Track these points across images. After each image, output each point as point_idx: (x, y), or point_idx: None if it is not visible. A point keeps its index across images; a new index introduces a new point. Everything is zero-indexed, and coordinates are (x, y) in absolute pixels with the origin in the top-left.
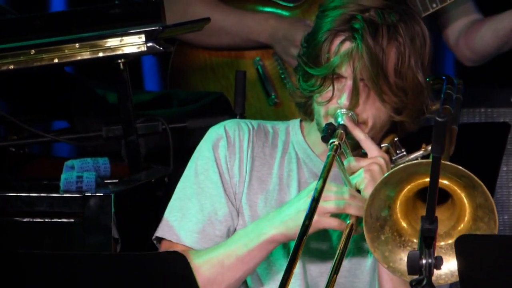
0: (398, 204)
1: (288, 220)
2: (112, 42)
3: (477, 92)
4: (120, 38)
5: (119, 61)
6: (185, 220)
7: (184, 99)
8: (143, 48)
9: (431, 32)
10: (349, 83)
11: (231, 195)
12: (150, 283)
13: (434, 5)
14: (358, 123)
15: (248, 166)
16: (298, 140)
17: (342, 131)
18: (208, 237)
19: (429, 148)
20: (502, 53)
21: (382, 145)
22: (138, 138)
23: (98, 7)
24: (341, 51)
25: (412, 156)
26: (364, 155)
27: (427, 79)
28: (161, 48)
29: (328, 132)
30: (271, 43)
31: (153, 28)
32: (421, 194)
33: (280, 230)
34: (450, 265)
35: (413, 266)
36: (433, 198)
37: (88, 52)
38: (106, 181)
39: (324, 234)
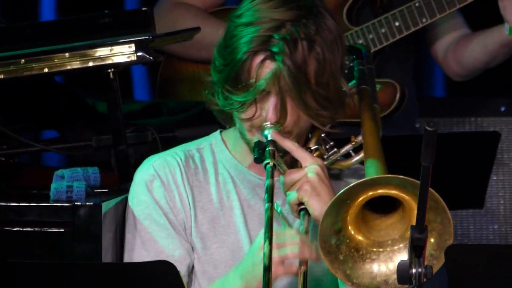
0: (348, 220)
1: (246, 276)
2: (102, 51)
3: (467, 101)
4: (110, 48)
5: (109, 70)
6: None
7: (173, 109)
8: (133, 58)
9: (421, 47)
10: (274, 99)
11: (181, 233)
12: None
13: (424, 20)
14: (284, 133)
15: (189, 198)
16: (226, 157)
17: (273, 148)
18: None
19: (358, 139)
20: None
21: (312, 148)
22: (128, 148)
23: (88, 16)
24: (264, 71)
25: (343, 150)
26: (296, 160)
27: None
28: (151, 58)
29: (259, 153)
30: None
31: (143, 38)
32: (368, 204)
33: (241, 286)
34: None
35: (403, 275)
36: (423, 207)
37: (78, 62)
38: (96, 190)
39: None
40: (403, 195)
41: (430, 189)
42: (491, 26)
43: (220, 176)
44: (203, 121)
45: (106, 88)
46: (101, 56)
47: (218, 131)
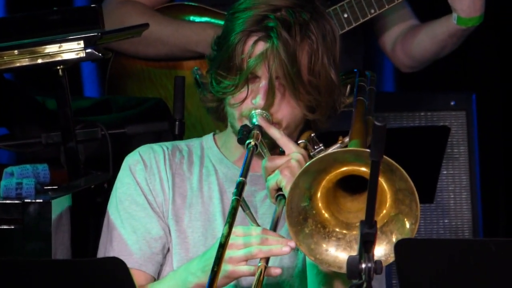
0: (318, 195)
1: (208, 270)
2: (51, 48)
3: (417, 95)
4: (59, 45)
5: (58, 67)
6: (122, 245)
7: (123, 105)
8: (82, 55)
9: (369, 39)
10: (264, 83)
11: (159, 214)
12: None
13: (373, 11)
14: (273, 123)
15: (170, 182)
16: (213, 152)
17: (258, 132)
18: (146, 255)
19: (346, 140)
20: (440, 58)
21: (299, 141)
22: (77, 144)
23: (37, 13)
24: (256, 52)
25: (330, 149)
26: (283, 153)
27: (340, 75)
28: (100, 54)
29: (243, 134)
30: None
31: (92, 34)
32: (341, 184)
33: (201, 279)
34: (376, 252)
35: (353, 270)
36: (372, 201)
37: (27, 59)
38: (45, 187)
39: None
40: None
41: (401, 169)
42: (439, 17)
43: (204, 169)
44: (152, 117)
45: (55, 85)
46: (50, 53)
47: (212, 133)
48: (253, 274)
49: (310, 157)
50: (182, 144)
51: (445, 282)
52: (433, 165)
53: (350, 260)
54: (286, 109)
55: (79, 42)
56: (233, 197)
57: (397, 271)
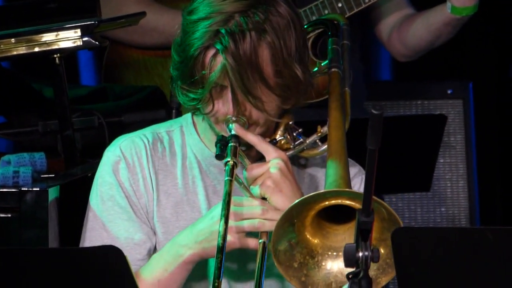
0: (303, 228)
1: (203, 241)
2: (48, 36)
3: (414, 84)
4: (56, 33)
5: (55, 55)
6: None
7: (119, 93)
8: (79, 43)
9: (365, 28)
10: (228, 92)
11: (143, 217)
12: (87, 277)
13: (367, 0)
14: (250, 124)
15: (153, 182)
16: (194, 141)
17: (235, 144)
18: (131, 262)
19: (324, 130)
20: (436, 47)
21: (278, 138)
22: (74, 133)
23: (34, 1)
24: (216, 64)
25: (310, 139)
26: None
27: (306, 26)
28: (97, 43)
29: (221, 149)
30: None
31: (88, 23)
32: (324, 212)
33: (195, 250)
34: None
35: (350, 259)
36: (369, 190)
37: (24, 47)
38: (42, 176)
39: (246, 252)
40: (358, 205)
41: (382, 202)
42: (435, 6)
43: (187, 160)
44: (148, 105)
45: (52, 73)
46: (47, 42)
47: (190, 113)
48: (249, 247)
49: (291, 149)
50: (162, 131)
51: (442, 271)
52: (430, 153)
53: (347, 248)
54: (259, 111)
55: (76, 30)
56: (226, 178)
57: (394, 260)
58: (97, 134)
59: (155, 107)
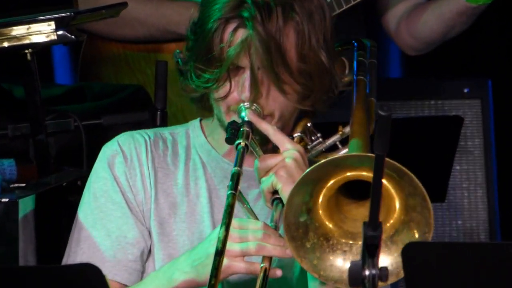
0: (319, 206)
1: (198, 266)
2: (18, 30)
3: (427, 82)
4: (27, 26)
5: (27, 51)
6: (93, 249)
7: (98, 93)
8: (53, 37)
9: (370, 18)
10: (247, 73)
11: (138, 215)
12: None
13: None
14: (264, 116)
15: (152, 179)
16: (201, 142)
17: (248, 129)
18: (122, 263)
19: (346, 130)
20: (449, 39)
21: (294, 135)
22: (48, 137)
23: None
24: (236, 41)
25: (330, 141)
26: (277, 149)
27: (335, 46)
28: (73, 37)
29: (232, 133)
30: None
31: (64, 15)
32: (344, 190)
33: (190, 276)
34: (385, 264)
35: (355, 277)
36: (376, 201)
37: None
38: (12, 185)
39: (244, 279)
40: (385, 182)
41: (410, 174)
42: None
43: (191, 162)
44: (131, 106)
45: (24, 70)
46: (18, 36)
47: (198, 118)
48: (250, 272)
49: (308, 150)
50: (165, 132)
51: None
52: (445, 159)
53: (353, 266)
54: (277, 100)
55: (49, 23)
56: (228, 192)
57: (405, 279)
58: (73, 138)
59: (138, 108)
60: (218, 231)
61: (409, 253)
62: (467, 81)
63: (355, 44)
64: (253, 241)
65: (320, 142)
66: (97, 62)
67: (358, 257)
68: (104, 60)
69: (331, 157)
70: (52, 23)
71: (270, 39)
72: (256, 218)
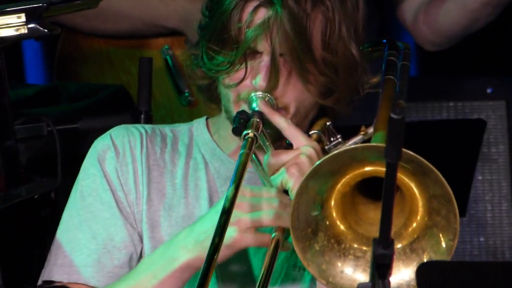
0: (332, 202)
1: (204, 240)
2: None
3: (445, 81)
4: None
5: None
6: (76, 253)
7: (75, 94)
8: (24, 31)
9: (384, 9)
10: (266, 59)
11: (129, 216)
12: None
13: None
14: (278, 108)
15: (145, 177)
16: (204, 139)
17: (258, 120)
18: (106, 269)
19: (370, 131)
20: (472, 33)
21: (311, 132)
22: (18, 143)
23: None
24: (256, 21)
25: (350, 142)
26: (290, 146)
27: (364, 47)
28: (46, 31)
29: (240, 122)
30: (183, 29)
31: (35, 5)
32: (361, 188)
33: (195, 253)
34: (402, 275)
35: None
36: (388, 215)
37: None
38: None
39: (244, 253)
40: (401, 176)
41: (436, 171)
42: None
43: (191, 160)
44: (112, 109)
45: None
46: None
47: (205, 117)
48: (260, 245)
49: (325, 151)
50: (166, 128)
51: None
52: (465, 168)
53: (360, 287)
54: (294, 92)
55: (19, 15)
56: (241, 151)
57: None
58: (46, 144)
59: (119, 111)
60: (224, 200)
61: (424, 273)
62: (491, 80)
63: (386, 44)
64: (265, 210)
65: (339, 143)
66: (75, 60)
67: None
68: (84, 58)
69: (348, 147)
70: (22, 15)
71: (297, 23)
72: (271, 185)
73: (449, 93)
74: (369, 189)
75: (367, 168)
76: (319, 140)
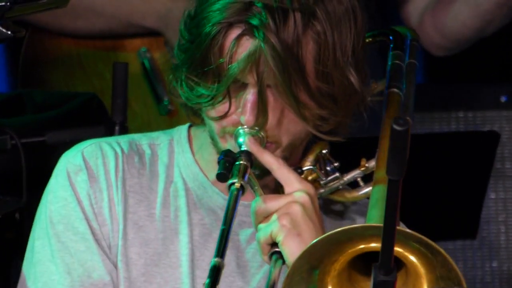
0: (328, 280)
1: None
2: None
3: (455, 89)
4: None
5: None
6: None
7: (42, 103)
8: None
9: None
10: (252, 91)
11: (105, 249)
12: None
13: None
14: (268, 143)
15: (120, 207)
16: (186, 161)
17: (246, 163)
18: None
19: (371, 165)
20: (486, 36)
21: (305, 168)
22: None
23: None
24: (240, 52)
25: (348, 176)
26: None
27: (367, 34)
28: (9, 33)
29: (225, 167)
30: (162, 29)
31: None
32: (357, 262)
33: None
34: None
35: None
36: (390, 236)
37: None
38: None
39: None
40: (407, 254)
41: (444, 254)
42: None
43: (172, 186)
44: (82, 119)
45: None
46: None
47: (187, 125)
48: None
49: (320, 186)
50: (143, 143)
51: None
52: (477, 186)
53: None
54: (287, 124)
55: None
56: (227, 204)
57: None
58: (9, 159)
59: (91, 123)
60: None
61: None
62: (505, 88)
63: (391, 38)
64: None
65: (336, 178)
66: (42, 64)
67: None
68: (52, 61)
69: (344, 228)
70: None
71: (287, 54)
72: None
73: (459, 102)
74: (367, 265)
75: (365, 245)
76: (314, 176)
